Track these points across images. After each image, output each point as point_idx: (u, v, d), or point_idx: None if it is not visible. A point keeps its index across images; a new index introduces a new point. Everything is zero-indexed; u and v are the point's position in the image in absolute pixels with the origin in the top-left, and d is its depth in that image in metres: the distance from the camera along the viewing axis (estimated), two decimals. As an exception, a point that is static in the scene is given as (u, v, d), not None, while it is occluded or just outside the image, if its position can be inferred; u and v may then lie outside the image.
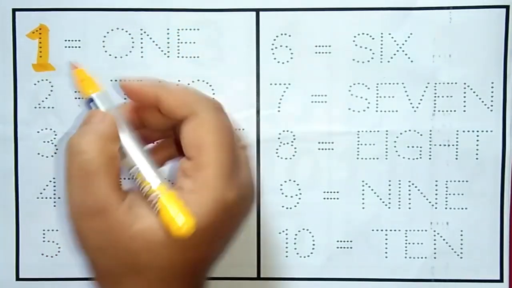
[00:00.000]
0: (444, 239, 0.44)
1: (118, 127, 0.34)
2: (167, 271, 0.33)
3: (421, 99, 0.43)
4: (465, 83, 0.43)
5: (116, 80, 0.43)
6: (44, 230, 0.44)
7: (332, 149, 0.44)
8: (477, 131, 0.44)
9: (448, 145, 0.44)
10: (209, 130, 0.33)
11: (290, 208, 0.44)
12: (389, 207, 0.44)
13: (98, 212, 0.32)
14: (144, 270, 0.32)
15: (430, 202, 0.44)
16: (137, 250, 0.32)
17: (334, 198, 0.44)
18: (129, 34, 0.43)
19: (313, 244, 0.44)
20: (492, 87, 0.43)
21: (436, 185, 0.44)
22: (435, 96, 0.43)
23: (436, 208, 0.44)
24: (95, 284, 0.35)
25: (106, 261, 0.33)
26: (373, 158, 0.44)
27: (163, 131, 0.38)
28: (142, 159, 0.34)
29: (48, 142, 0.44)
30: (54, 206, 0.44)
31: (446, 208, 0.44)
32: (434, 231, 0.44)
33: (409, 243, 0.44)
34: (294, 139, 0.44)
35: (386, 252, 0.44)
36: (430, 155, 0.44)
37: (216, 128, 0.33)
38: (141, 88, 0.35)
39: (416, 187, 0.44)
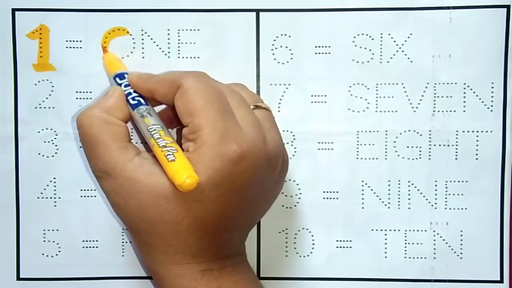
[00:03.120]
0: (443, 239, 0.44)
1: (130, 99, 0.39)
2: (175, 225, 0.35)
3: (421, 99, 0.43)
4: (465, 83, 0.43)
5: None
6: (44, 230, 0.44)
7: (332, 149, 0.44)
8: (477, 131, 0.44)
9: (448, 145, 0.44)
10: (193, 94, 0.35)
11: (290, 207, 0.44)
12: (388, 207, 0.44)
13: (108, 173, 0.36)
14: (154, 224, 0.35)
15: (429, 202, 0.44)
16: (146, 204, 0.35)
17: (334, 198, 0.44)
18: (130, 34, 0.43)
19: (313, 244, 0.44)
20: (492, 87, 0.43)
21: (436, 185, 0.44)
22: (435, 96, 0.43)
23: (435, 208, 0.44)
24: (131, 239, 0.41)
25: (127, 217, 0.37)
26: (373, 158, 0.44)
27: None
28: (152, 122, 0.37)
29: (48, 142, 0.44)
30: (55, 206, 0.44)
31: (446, 208, 0.44)
32: (434, 231, 0.44)
33: (408, 243, 0.44)
34: (294, 139, 0.44)
35: (385, 252, 0.44)
36: (429, 155, 0.44)
37: (200, 91, 0.35)
38: (137, 86, 0.39)
39: (415, 187, 0.44)
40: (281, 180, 0.40)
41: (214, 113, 0.35)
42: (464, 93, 0.43)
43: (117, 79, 0.40)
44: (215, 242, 0.37)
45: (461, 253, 0.44)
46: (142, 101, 0.38)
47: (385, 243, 0.44)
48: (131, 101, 0.38)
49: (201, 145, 0.34)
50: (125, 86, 0.39)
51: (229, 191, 0.35)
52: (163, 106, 0.40)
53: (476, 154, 0.44)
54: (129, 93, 0.39)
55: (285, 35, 0.43)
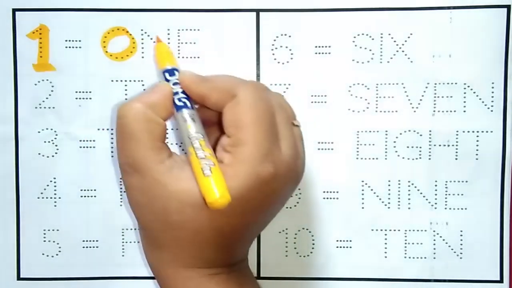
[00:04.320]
0: (443, 239, 0.44)
1: (176, 99, 0.37)
2: (196, 234, 0.35)
3: (421, 99, 0.43)
4: (465, 83, 0.43)
5: (116, 81, 0.43)
6: (44, 230, 0.44)
7: (332, 149, 0.44)
8: (477, 131, 0.44)
9: (448, 145, 0.44)
10: (246, 109, 0.34)
11: (290, 207, 0.44)
12: (388, 207, 0.44)
13: (136, 170, 0.35)
14: (174, 229, 0.35)
15: (429, 202, 0.44)
16: (170, 209, 0.34)
17: (334, 198, 0.44)
18: (130, 34, 0.43)
19: (313, 244, 0.44)
20: (492, 87, 0.43)
21: (436, 185, 0.44)
22: (435, 96, 0.43)
23: (435, 208, 0.44)
24: (140, 235, 0.39)
25: (145, 216, 0.36)
26: (373, 158, 0.44)
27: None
28: (194, 129, 0.35)
29: (48, 142, 0.44)
30: (55, 206, 0.44)
31: (446, 208, 0.44)
32: (434, 231, 0.44)
33: (408, 243, 0.44)
34: (294, 139, 0.44)
35: (385, 252, 0.44)
36: (430, 155, 0.44)
37: (253, 107, 0.34)
38: (188, 88, 0.37)
39: (415, 187, 0.44)
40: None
41: (262, 133, 0.34)
42: (464, 93, 0.43)
43: (167, 75, 0.38)
44: (228, 250, 0.37)
45: (461, 253, 0.44)
46: (188, 104, 0.36)
47: (385, 243, 0.44)
48: (177, 102, 0.36)
49: (239, 161, 0.34)
50: (174, 84, 0.37)
51: (255, 208, 0.35)
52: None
53: (476, 154, 0.44)
54: (176, 93, 0.37)
55: (285, 35, 0.43)
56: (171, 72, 0.38)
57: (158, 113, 0.36)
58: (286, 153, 0.35)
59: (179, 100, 0.36)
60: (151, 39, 0.43)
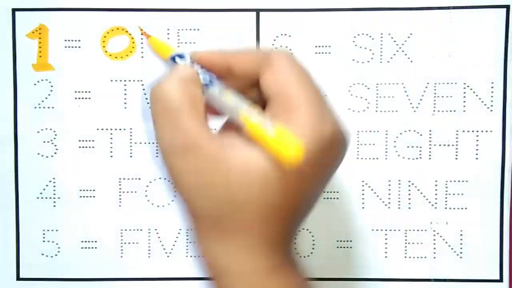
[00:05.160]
0: (444, 239, 0.44)
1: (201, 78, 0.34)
2: (267, 208, 0.31)
3: (421, 99, 0.43)
4: (465, 83, 0.43)
5: (116, 80, 0.43)
6: (44, 230, 0.44)
7: (332, 149, 0.44)
8: (477, 131, 0.44)
9: (448, 145, 0.44)
10: (290, 73, 0.32)
11: (290, 208, 0.44)
12: (389, 207, 0.44)
13: (189, 149, 0.31)
14: (241, 207, 0.31)
15: (430, 202, 0.44)
16: (235, 185, 0.31)
17: (334, 198, 0.44)
18: (130, 34, 0.43)
19: (313, 244, 0.44)
20: (492, 87, 0.43)
21: (436, 185, 0.44)
22: (435, 96, 0.43)
23: (436, 208, 0.44)
24: (192, 226, 0.34)
25: (203, 201, 0.32)
26: (373, 158, 0.44)
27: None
28: (235, 97, 0.33)
29: (48, 142, 0.44)
30: (54, 206, 0.44)
31: (446, 208, 0.44)
32: (434, 231, 0.44)
33: (409, 243, 0.44)
34: (294, 139, 0.44)
35: (386, 252, 0.44)
36: (429, 155, 0.44)
37: (296, 70, 0.33)
38: (211, 60, 0.34)
39: (416, 187, 0.44)
40: None
41: (314, 93, 0.32)
42: (464, 93, 0.43)
43: (178, 59, 0.35)
44: (292, 231, 0.34)
45: (461, 253, 0.44)
46: (215, 77, 0.34)
47: (385, 243, 0.44)
48: (203, 81, 0.34)
49: (299, 124, 0.31)
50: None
51: (320, 171, 0.33)
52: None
53: (476, 154, 0.44)
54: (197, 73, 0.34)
55: (285, 35, 0.43)
56: (180, 56, 0.36)
57: (196, 87, 0.33)
58: (335, 115, 0.33)
59: (204, 78, 0.34)
60: (151, 39, 0.43)
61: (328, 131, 0.32)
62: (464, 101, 0.43)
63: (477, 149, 0.44)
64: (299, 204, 0.33)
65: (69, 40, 0.43)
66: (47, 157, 0.44)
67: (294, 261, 0.34)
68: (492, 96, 0.43)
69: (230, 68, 0.34)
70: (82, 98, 0.43)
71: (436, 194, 0.44)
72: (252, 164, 0.31)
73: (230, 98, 0.33)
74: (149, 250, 0.44)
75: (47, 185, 0.44)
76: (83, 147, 0.44)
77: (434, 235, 0.44)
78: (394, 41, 0.43)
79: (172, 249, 0.44)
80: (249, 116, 0.32)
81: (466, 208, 0.44)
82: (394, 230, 0.44)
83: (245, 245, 0.32)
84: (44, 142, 0.44)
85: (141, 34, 0.43)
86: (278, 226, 0.32)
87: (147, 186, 0.44)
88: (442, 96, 0.43)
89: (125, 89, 0.44)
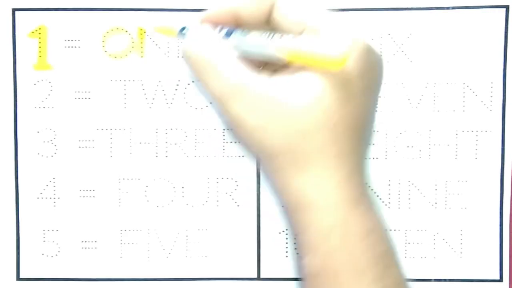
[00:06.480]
0: (444, 239, 0.44)
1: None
2: (333, 128, 0.31)
3: (420, 99, 0.43)
4: (464, 83, 0.43)
5: (116, 80, 0.43)
6: (44, 230, 0.44)
7: (332, 149, 0.44)
8: (477, 131, 0.44)
9: (448, 145, 0.44)
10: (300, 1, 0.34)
11: (290, 208, 0.44)
12: (389, 207, 0.44)
13: (241, 91, 0.32)
14: (309, 133, 0.31)
15: (430, 202, 0.44)
16: (297, 115, 0.31)
17: (334, 198, 0.44)
18: (129, 34, 0.43)
19: (313, 244, 0.44)
20: (491, 87, 0.43)
21: (436, 185, 0.44)
22: (435, 96, 0.43)
23: (436, 208, 0.44)
24: (265, 168, 0.35)
25: (272, 140, 0.32)
26: (373, 158, 0.44)
27: None
28: (259, 32, 0.34)
29: (48, 142, 0.44)
30: (54, 206, 0.44)
31: (446, 208, 0.44)
32: (434, 230, 0.44)
33: (409, 243, 0.44)
34: (294, 139, 0.44)
35: (386, 252, 0.44)
36: (429, 155, 0.44)
37: None
38: (218, 15, 0.35)
39: (416, 187, 0.44)
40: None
41: (329, 13, 0.33)
42: (464, 93, 0.43)
43: (185, 30, 0.37)
44: (362, 154, 0.34)
45: (461, 253, 0.44)
46: (229, 27, 0.35)
47: (385, 243, 0.44)
48: (221, 33, 0.35)
49: (332, 40, 0.32)
50: None
51: (368, 88, 0.33)
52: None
53: (476, 154, 0.44)
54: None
55: (285, 35, 0.43)
56: (183, 28, 0.37)
57: (215, 38, 0.34)
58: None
59: (221, 31, 0.35)
60: (150, 38, 0.43)
61: (361, 42, 0.32)
62: (464, 101, 0.43)
63: (476, 149, 0.44)
64: (359, 120, 0.33)
65: (69, 40, 0.43)
66: (47, 157, 0.44)
67: (369, 194, 0.34)
68: (491, 96, 0.43)
69: (237, 16, 0.34)
70: (82, 98, 0.43)
71: (436, 194, 0.44)
72: (307, 90, 0.31)
73: (257, 36, 0.33)
74: (148, 250, 0.44)
75: (47, 185, 0.44)
76: (83, 147, 0.44)
77: (434, 235, 0.44)
78: (394, 41, 0.43)
79: (171, 249, 0.44)
80: (285, 42, 0.32)
81: (466, 208, 0.44)
82: (394, 230, 0.44)
83: (328, 175, 0.32)
84: (44, 142, 0.44)
85: (153, 39, 0.43)
86: (349, 148, 0.32)
87: (147, 186, 0.44)
88: (442, 96, 0.43)
89: (125, 89, 0.44)
